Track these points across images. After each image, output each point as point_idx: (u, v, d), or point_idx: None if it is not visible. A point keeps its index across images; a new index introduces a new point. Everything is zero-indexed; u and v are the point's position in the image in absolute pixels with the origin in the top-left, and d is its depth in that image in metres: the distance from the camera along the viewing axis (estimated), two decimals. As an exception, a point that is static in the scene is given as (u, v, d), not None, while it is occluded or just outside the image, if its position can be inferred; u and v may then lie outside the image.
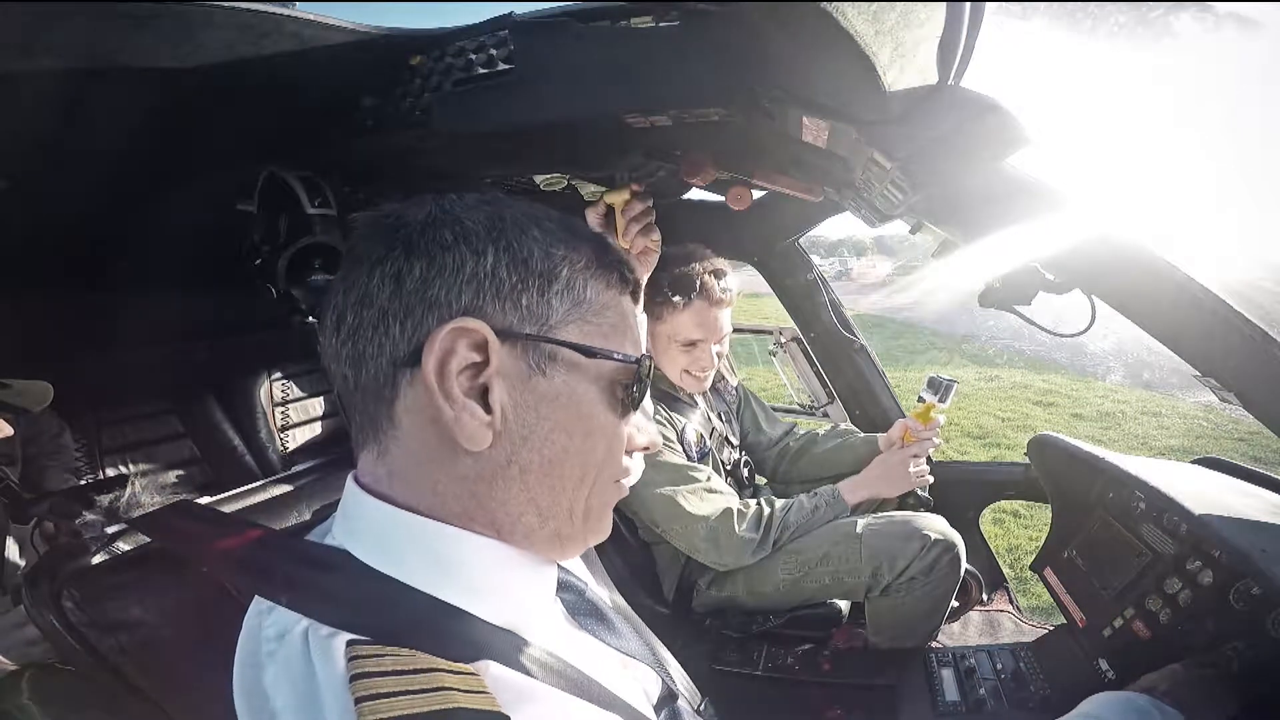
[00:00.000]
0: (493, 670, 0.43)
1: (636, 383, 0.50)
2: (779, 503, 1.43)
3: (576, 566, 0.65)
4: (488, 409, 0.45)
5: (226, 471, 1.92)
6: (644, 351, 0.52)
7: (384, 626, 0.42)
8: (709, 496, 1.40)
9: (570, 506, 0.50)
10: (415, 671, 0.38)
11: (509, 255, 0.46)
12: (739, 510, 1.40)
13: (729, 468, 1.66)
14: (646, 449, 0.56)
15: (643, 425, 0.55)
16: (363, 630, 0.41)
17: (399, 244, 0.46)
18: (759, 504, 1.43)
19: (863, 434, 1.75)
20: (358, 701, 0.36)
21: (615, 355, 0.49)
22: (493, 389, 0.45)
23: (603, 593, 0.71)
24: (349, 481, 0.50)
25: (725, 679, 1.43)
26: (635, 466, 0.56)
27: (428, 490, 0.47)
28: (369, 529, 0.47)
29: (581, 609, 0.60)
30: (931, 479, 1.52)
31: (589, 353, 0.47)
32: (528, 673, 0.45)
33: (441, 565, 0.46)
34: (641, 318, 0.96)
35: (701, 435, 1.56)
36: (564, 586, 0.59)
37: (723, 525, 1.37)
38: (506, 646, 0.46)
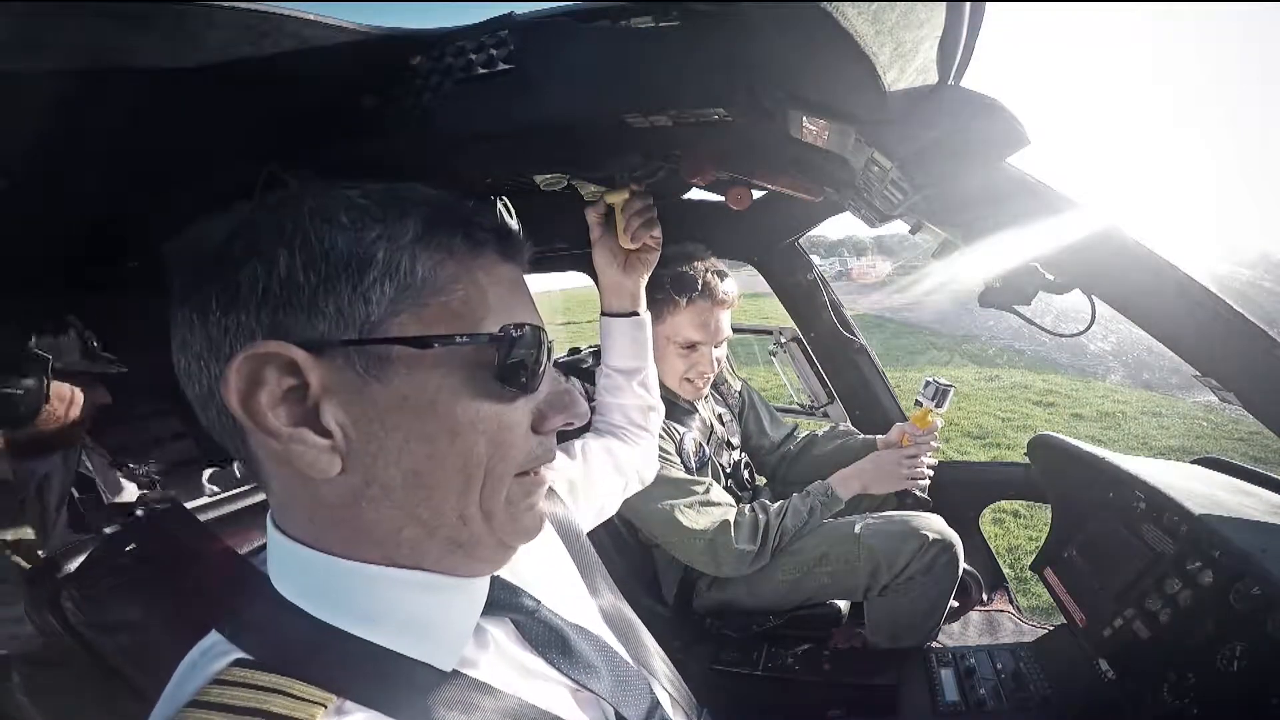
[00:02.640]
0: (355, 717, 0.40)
1: (508, 359, 0.43)
2: (773, 509, 1.43)
3: (532, 583, 0.57)
4: (328, 433, 0.40)
5: (226, 471, 1.92)
6: (519, 320, 0.44)
7: (279, 656, 0.40)
8: (706, 510, 1.40)
9: (461, 512, 0.44)
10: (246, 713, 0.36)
11: (305, 253, 0.39)
12: (736, 522, 1.39)
13: (729, 470, 1.65)
14: (569, 425, 0.49)
15: (556, 400, 0.48)
16: (264, 658, 0.40)
17: (195, 273, 0.41)
18: (755, 513, 1.42)
19: (862, 436, 1.75)
20: None
21: (459, 338, 0.41)
22: (323, 410, 0.40)
23: (573, 609, 0.61)
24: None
25: (725, 679, 1.43)
26: (550, 453, 0.49)
27: (305, 521, 0.44)
28: (273, 559, 0.46)
29: (533, 632, 0.53)
30: (928, 481, 1.52)
31: (423, 344, 0.40)
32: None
33: (335, 597, 0.43)
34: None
35: (700, 444, 1.55)
36: (510, 607, 0.52)
37: (720, 539, 1.36)
38: (399, 682, 0.42)
